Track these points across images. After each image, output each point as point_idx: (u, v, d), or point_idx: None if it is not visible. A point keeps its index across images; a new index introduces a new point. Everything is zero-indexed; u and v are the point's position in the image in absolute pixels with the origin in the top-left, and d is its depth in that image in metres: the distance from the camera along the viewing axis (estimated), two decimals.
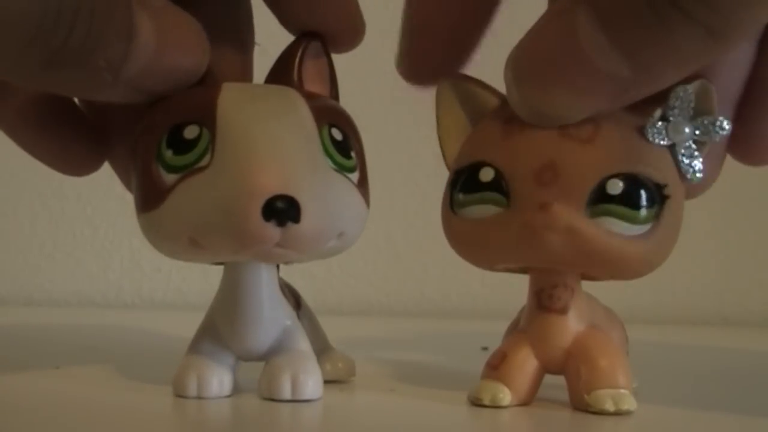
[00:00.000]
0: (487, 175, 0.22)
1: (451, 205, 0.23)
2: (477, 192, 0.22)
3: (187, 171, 0.22)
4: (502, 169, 0.22)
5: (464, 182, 0.23)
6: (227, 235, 0.21)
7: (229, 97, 0.22)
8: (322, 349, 0.27)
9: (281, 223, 0.21)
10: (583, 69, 0.20)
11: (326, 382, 0.25)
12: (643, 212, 0.21)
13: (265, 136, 0.21)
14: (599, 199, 0.21)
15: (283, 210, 0.21)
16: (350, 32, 0.25)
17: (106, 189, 0.60)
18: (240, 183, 0.21)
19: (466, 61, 0.25)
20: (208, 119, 0.22)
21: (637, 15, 0.19)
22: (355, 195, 0.23)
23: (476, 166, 0.22)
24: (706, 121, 0.22)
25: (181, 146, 0.22)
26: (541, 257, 0.22)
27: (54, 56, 0.20)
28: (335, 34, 0.25)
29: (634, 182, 0.21)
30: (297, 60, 0.24)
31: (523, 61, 0.21)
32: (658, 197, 0.21)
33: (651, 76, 0.20)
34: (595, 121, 0.21)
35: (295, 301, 0.27)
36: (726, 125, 0.22)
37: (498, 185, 0.22)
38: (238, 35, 0.26)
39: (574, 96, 0.20)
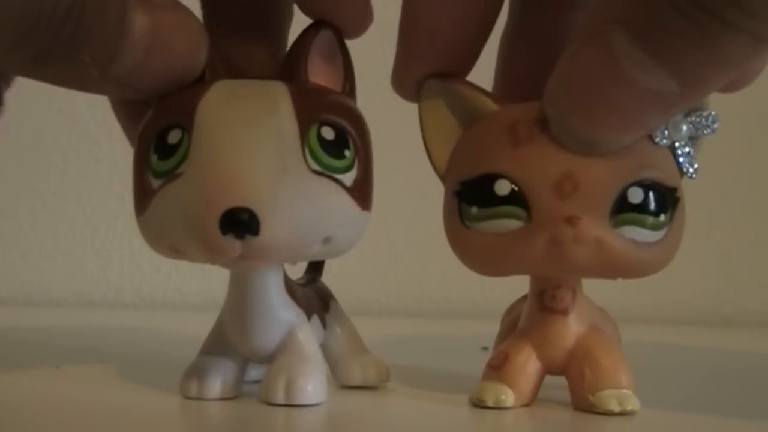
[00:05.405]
0: (503, 188, 0.21)
1: (461, 218, 0.22)
2: (493, 206, 0.22)
3: (168, 177, 0.21)
4: (519, 182, 0.21)
5: (477, 196, 0.22)
6: (193, 247, 0.21)
7: (210, 100, 0.22)
8: (353, 352, 0.26)
9: (239, 236, 0.20)
10: (628, 91, 0.19)
11: (355, 387, 0.24)
12: (662, 218, 0.21)
13: (230, 143, 0.21)
14: (621, 209, 0.21)
15: (240, 223, 0.20)
16: (357, 18, 0.24)
17: (106, 189, 0.60)
18: (200, 195, 0.20)
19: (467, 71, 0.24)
20: (188, 123, 0.21)
21: (678, 31, 0.18)
22: (343, 197, 0.22)
23: (488, 179, 0.22)
24: (698, 117, 0.22)
25: (165, 151, 0.21)
26: (565, 269, 0.22)
27: (42, 52, 0.20)
28: (343, 17, 0.23)
29: (652, 189, 0.21)
30: (303, 52, 0.23)
31: (565, 92, 0.20)
32: (672, 201, 0.22)
33: (699, 88, 0.19)
34: None
35: (322, 303, 0.26)
36: (716, 120, 0.22)
37: (516, 199, 0.21)
38: (267, 21, 0.25)
39: (624, 119, 0.20)
